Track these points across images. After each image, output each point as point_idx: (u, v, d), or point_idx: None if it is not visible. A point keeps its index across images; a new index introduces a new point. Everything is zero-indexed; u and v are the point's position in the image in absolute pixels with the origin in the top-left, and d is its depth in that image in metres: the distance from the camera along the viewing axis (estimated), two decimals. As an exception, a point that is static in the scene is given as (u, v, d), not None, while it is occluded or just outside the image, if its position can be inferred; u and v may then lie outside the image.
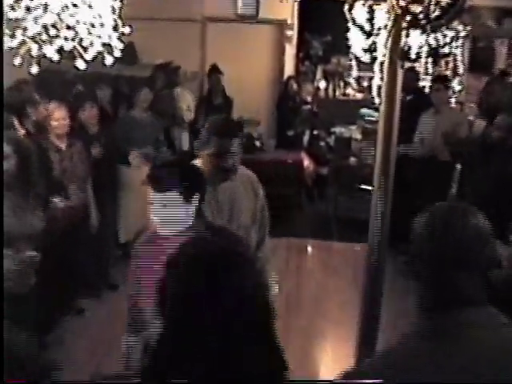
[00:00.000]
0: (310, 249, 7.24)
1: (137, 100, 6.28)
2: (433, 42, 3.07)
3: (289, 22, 9.28)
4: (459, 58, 8.55)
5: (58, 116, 5.06)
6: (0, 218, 3.07)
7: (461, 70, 8.72)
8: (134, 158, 5.85)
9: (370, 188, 5.48)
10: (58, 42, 2.60)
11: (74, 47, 2.57)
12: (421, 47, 2.98)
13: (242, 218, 2.86)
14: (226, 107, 7.68)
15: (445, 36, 3.51)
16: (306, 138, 9.02)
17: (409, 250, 1.68)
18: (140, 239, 2.52)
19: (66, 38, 2.62)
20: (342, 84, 11.50)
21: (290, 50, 9.69)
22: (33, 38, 2.59)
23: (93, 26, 2.69)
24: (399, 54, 2.90)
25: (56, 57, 2.68)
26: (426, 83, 7.62)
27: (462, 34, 7.34)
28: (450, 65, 8.56)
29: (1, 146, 3.59)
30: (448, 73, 8.52)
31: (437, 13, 2.78)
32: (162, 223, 2.30)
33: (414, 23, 2.81)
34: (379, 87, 3.05)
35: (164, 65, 7.87)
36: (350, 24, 3.22)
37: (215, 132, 2.80)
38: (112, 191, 5.86)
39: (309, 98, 9.14)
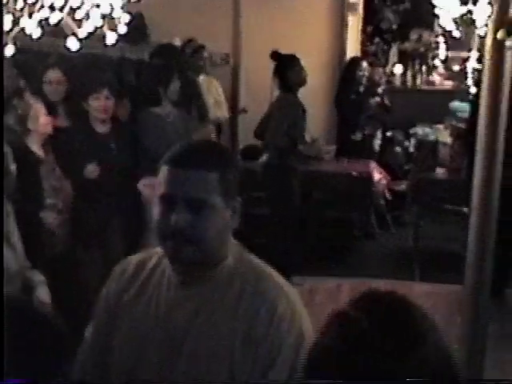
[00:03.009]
0: (381, 292, 7.29)
1: (166, 92, 6.39)
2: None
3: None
4: None
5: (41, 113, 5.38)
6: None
7: None
8: (146, 187, 5.84)
9: (464, 210, 5.63)
10: (41, 13, 2.55)
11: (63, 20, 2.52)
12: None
13: None
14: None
15: None
16: (376, 143, 9.27)
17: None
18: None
19: (51, 7, 2.56)
20: (424, 68, 11.67)
21: (354, 23, 9.91)
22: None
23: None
24: (507, 26, 2.87)
25: (37, 33, 2.64)
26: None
27: None
28: None
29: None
30: None
31: None
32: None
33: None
34: (477, 72, 3.02)
35: (183, 44, 8.20)
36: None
37: None
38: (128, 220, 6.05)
39: (379, 89, 9.45)
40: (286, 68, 7.43)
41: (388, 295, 1.47)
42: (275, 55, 7.46)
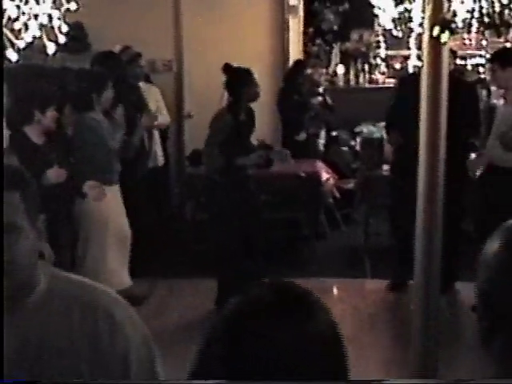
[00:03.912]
0: (335, 291, 7.39)
1: (99, 100, 6.42)
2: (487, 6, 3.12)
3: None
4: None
5: None
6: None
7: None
8: (93, 188, 6.02)
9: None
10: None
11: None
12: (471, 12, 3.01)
13: None
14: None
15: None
16: (320, 143, 9.35)
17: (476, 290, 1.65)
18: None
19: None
20: (366, 68, 11.75)
21: (295, 25, 9.95)
22: None
23: (26, 0, 2.62)
24: (441, 22, 2.92)
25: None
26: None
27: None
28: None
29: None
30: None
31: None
32: None
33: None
34: (417, 69, 3.08)
35: (119, 52, 7.98)
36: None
37: None
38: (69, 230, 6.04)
39: (320, 88, 9.55)
40: (239, 84, 6.97)
41: (291, 284, 1.59)
42: (228, 69, 6.88)
